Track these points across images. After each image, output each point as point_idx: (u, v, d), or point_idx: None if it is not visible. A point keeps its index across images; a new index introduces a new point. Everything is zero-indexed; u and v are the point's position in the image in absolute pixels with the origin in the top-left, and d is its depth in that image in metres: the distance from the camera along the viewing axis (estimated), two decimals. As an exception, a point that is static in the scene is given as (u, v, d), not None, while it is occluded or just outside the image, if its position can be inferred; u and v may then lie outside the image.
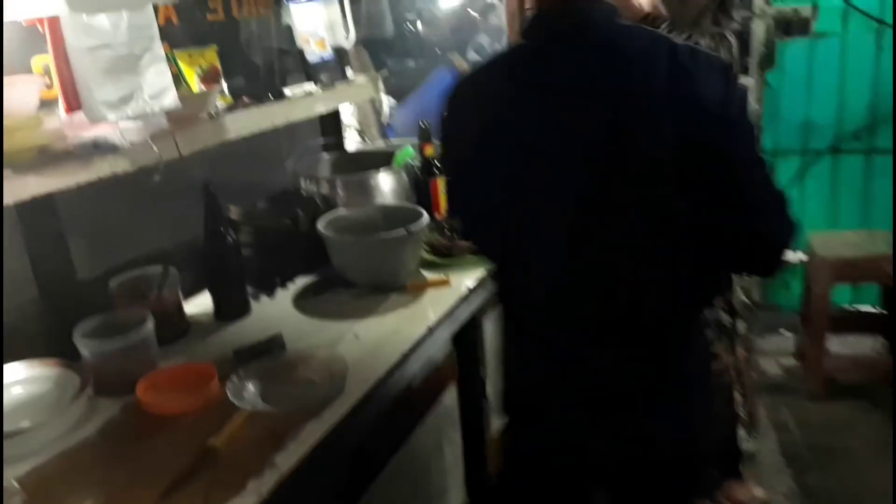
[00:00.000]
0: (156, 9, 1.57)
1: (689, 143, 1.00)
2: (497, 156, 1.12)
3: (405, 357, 1.39)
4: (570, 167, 1.06)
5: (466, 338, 1.67)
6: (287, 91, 1.73)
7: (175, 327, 1.50)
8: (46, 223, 1.35)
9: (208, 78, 1.65)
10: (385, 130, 2.71)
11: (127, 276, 1.47)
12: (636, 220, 1.07)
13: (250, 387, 1.27)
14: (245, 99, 1.68)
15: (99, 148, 1.07)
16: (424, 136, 2.04)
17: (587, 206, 1.07)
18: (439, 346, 1.52)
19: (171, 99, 1.16)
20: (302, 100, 1.74)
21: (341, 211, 1.81)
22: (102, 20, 1.01)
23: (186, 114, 1.44)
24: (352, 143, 2.71)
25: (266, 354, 1.39)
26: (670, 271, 1.10)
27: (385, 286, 1.67)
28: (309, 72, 1.93)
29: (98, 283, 1.44)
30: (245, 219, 1.79)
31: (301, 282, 1.76)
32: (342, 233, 1.76)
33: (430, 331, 1.49)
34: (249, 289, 1.69)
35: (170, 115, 1.42)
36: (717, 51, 1.81)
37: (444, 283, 1.70)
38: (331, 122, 2.21)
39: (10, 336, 1.29)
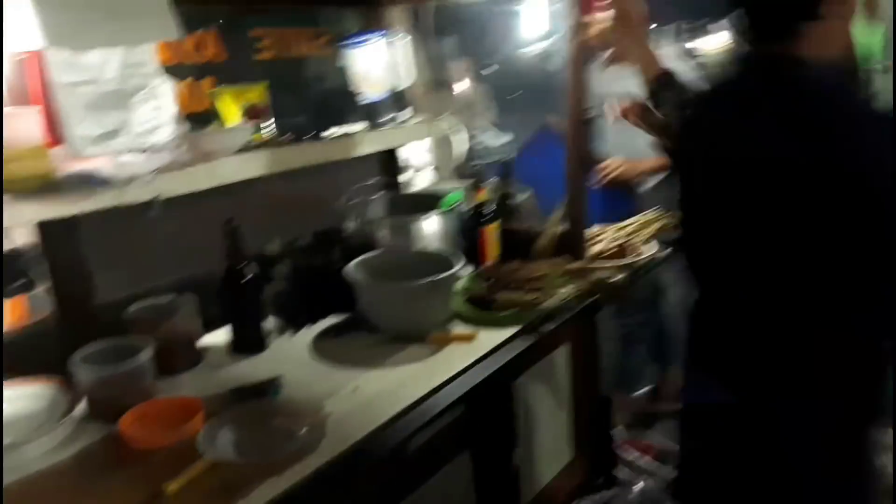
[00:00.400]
0: (202, 45, 1.63)
1: (850, 203, 1.05)
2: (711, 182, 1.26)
3: (396, 418, 1.28)
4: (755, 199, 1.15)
5: (486, 401, 1.53)
6: (328, 131, 1.71)
7: (186, 357, 1.49)
8: (70, 245, 1.39)
9: (251, 114, 1.66)
10: (464, 170, 2.63)
11: (146, 302, 1.48)
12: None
13: (226, 432, 1.22)
14: (286, 137, 1.67)
15: (88, 181, 1.08)
16: (477, 182, 1.94)
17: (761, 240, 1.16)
18: (446, 407, 1.39)
19: (165, 135, 1.16)
20: (341, 140, 1.71)
21: (376, 253, 1.75)
22: (91, 56, 1.02)
23: (211, 148, 1.45)
24: (425, 181, 2.67)
25: (259, 397, 1.35)
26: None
27: (407, 335, 1.58)
28: (365, 112, 1.91)
29: (118, 309, 1.46)
30: (283, 253, 1.78)
31: (330, 321, 1.71)
32: (372, 276, 1.70)
33: (434, 391, 1.37)
34: (276, 322, 1.67)
35: (195, 148, 1.44)
36: None
37: (469, 338, 1.58)
38: (390, 162, 2.17)
39: (24, 352, 1.33)
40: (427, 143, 2.52)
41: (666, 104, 1.55)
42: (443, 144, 2.48)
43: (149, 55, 1.12)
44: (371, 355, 1.51)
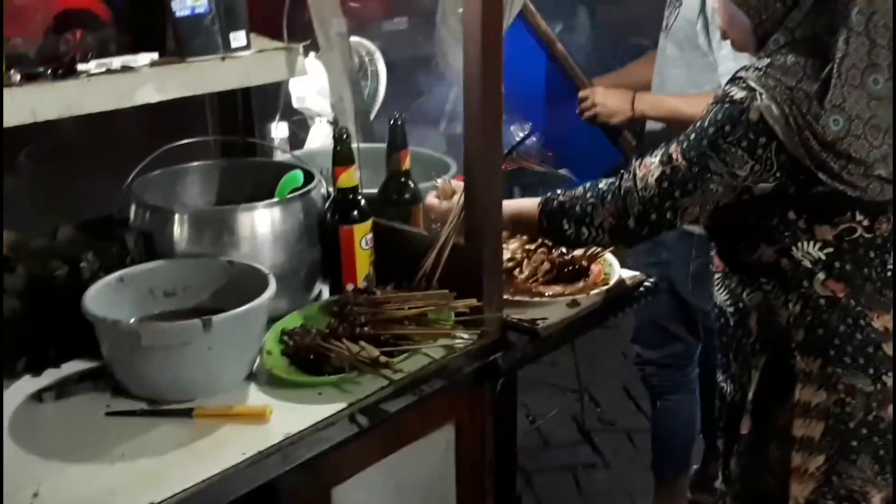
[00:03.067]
0: None
1: None
2: None
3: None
4: None
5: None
6: (87, 66, 1.44)
7: None
8: None
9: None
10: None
11: None
12: None
13: None
14: (12, 73, 1.41)
15: None
16: (343, 158, 1.65)
17: None
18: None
19: None
20: (106, 80, 1.43)
21: (152, 266, 1.52)
22: None
23: None
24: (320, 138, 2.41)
25: None
26: None
27: (166, 404, 1.37)
28: (178, 33, 1.63)
29: None
30: (16, 254, 1.54)
31: (74, 367, 1.48)
32: (137, 304, 1.47)
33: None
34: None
35: None
36: None
37: (259, 416, 1.33)
38: (235, 111, 1.90)
39: None
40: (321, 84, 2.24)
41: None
42: (343, 88, 2.19)
43: None
44: (95, 437, 1.31)
